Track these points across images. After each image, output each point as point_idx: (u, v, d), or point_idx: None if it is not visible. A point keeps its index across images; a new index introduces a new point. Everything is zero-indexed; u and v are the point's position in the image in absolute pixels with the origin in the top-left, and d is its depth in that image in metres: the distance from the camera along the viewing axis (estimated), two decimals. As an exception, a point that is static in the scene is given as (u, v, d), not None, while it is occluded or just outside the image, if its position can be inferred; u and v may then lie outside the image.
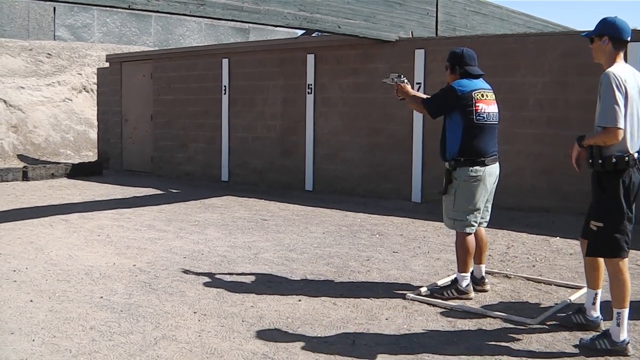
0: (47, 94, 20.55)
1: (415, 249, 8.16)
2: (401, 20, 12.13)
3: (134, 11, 26.02)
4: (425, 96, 6.62)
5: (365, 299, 6.20)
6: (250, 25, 30.16)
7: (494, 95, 6.37)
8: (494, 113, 6.29)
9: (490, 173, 6.22)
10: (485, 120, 6.17)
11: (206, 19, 28.66)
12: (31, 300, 6.25)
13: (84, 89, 21.56)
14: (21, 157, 17.80)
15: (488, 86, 6.39)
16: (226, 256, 7.91)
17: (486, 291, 6.47)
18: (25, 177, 14.39)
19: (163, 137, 15.75)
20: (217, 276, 7.06)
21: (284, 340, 5.13)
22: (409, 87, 6.58)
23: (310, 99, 12.95)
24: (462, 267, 6.27)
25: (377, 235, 9.08)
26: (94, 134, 19.65)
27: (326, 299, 6.21)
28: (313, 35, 15.21)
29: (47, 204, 11.58)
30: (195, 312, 5.83)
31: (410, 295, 6.27)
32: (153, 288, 6.62)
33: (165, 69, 15.78)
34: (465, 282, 6.27)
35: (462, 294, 6.24)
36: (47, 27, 24.67)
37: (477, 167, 6.12)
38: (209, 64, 14.84)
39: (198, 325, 5.50)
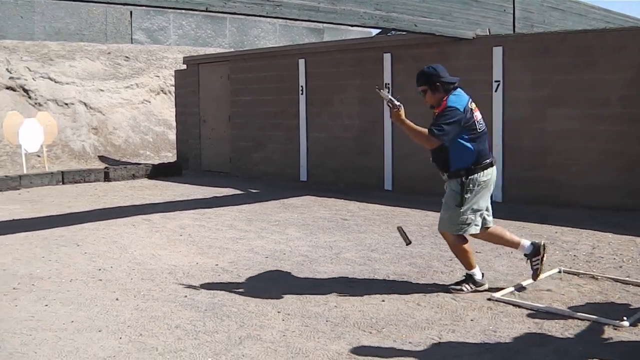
0: (126, 96, 20.87)
1: (497, 249, 8.04)
2: (477, 17, 11.99)
3: (210, 13, 26.27)
4: (420, 128, 6.31)
5: (450, 300, 6.14)
6: (325, 25, 30.20)
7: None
8: (482, 118, 6.41)
9: (494, 173, 6.39)
10: (483, 126, 6.34)
11: (281, 20, 28.78)
12: (117, 299, 6.35)
13: (162, 90, 21.84)
14: (102, 158, 18.12)
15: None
16: (308, 256, 7.92)
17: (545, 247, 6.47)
18: (106, 177, 14.65)
19: (241, 138, 15.86)
20: (300, 276, 7.06)
21: (369, 341, 5.11)
22: (403, 112, 6.41)
23: (387, 98, 12.87)
24: (468, 266, 6.45)
25: (459, 235, 8.97)
26: (172, 135, 19.88)
27: (410, 299, 6.17)
28: (389, 34, 15.14)
29: (129, 204, 11.77)
30: (279, 312, 5.84)
31: (495, 296, 6.18)
32: (236, 287, 6.65)
33: (242, 70, 15.89)
34: (478, 275, 6.44)
35: (478, 285, 6.42)
36: (125, 30, 25.02)
37: (488, 170, 6.27)
38: (286, 65, 14.89)
39: (282, 324, 5.51)
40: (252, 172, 15.53)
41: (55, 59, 20.73)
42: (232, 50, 25.03)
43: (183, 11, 25.94)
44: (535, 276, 6.46)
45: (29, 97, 19.21)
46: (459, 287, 6.45)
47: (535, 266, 6.41)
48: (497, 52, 11.55)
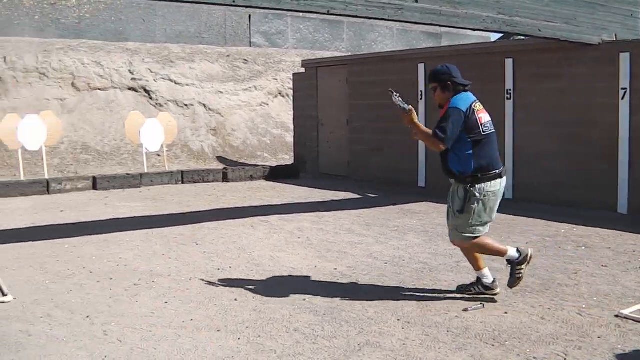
0: (245, 98, 21.11)
1: (625, 263, 7.71)
2: (603, 22, 11.55)
3: (329, 16, 26.33)
4: (428, 130, 6.34)
5: (575, 315, 5.88)
6: (443, 30, 29.94)
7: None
8: (490, 121, 6.28)
9: (503, 185, 6.23)
10: (491, 130, 6.21)
11: (398, 25, 28.65)
12: (235, 299, 6.36)
13: (280, 93, 22.01)
14: (220, 159, 18.36)
15: (475, 97, 6.33)
16: (427, 263, 7.76)
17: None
18: (225, 178, 14.83)
19: (358, 142, 15.77)
20: (419, 284, 6.92)
21: (492, 354, 4.94)
22: (415, 115, 6.33)
23: (509, 104, 12.58)
24: (477, 267, 6.44)
25: (583, 248, 8.63)
26: (289, 138, 20.00)
27: (533, 312, 5.95)
28: (511, 38, 14.82)
29: (247, 205, 11.85)
30: (398, 319, 5.72)
31: (624, 312, 5.90)
32: (355, 293, 6.56)
33: (361, 74, 15.82)
34: (489, 279, 6.40)
35: (488, 290, 6.39)
36: (243, 34, 25.32)
37: (496, 181, 6.13)
38: (404, 69, 14.73)
39: (402, 333, 5.40)
40: (370, 176, 15.39)
41: (176, 61, 21.14)
42: (350, 54, 25.04)
43: (301, 15, 26.08)
44: (513, 284, 6.37)
45: (150, 98, 19.65)
46: (468, 289, 6.49)
47: (518, 274, 6.32)
48: (624, 58, 11.12)
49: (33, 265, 7.67)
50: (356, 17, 9.08)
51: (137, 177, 14.15)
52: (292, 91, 21.61)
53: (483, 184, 6.07)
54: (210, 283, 6.96)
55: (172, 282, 6.97)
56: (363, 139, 15.66)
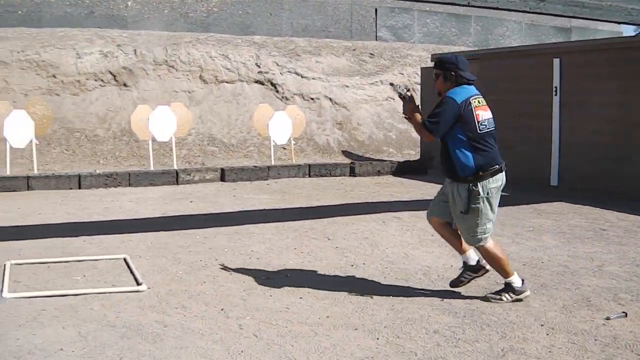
0: (370, 92, 20.95)
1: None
2: None
3: (456, 10, 25.97)
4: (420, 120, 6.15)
5: None
6: (572, 24, 29.10)
7: (485, 101, 6.14)
8: (491, 119, 6.10)
9: (504, 179, 6.12)
10: (488, 128, 6.02)
11: (527, 19, 28.01)
12: (372, 297, 6.19)
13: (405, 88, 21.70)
14: (345, 153, 18.26)
15: (479, 92, 6.15)
16: (568, 266, 7.40)
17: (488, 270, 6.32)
18: (352, 172, 14.70)
19: (490, 138, 15.32)
20: (561, 287, 6.60)
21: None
22: (415, 104, 6.26)
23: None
24: (505, 274, 6.15)
25: None
26: (415, 133, 19.65)
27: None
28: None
29: (377, 200, 11.67)
30: (542, 325, 5.46)
31: None
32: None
33: (492, 69, 15.38)
34: (517, 283, 6.13)
35: (518, 294, 6.12)
36: (369, 28, 25.19)
37: (498, 176, 6.00)
38: (537, 64, 14.24)
39: (547, 339, 5.13)
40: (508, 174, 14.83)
41: (302, 55, 21.17)
42: (476, 48, 24.57)
43: (427, 9, 25.82)
44: (455, 284, 6.35)
45: (277, 91, 19.72)
46: (498, 296, 6.15)
47: (463, 278, 6.30)
48: None
49: (166, 255, 7.70)
50: (496, 9, 8.82)
51: (265, 169, 14.16)
52: (419, 86, 21.38)
53: (485, 181, 5.93)
54: (344, 279, 6.82)
55: (306, 277, 6.87)
56: (497, 135, 15.18)
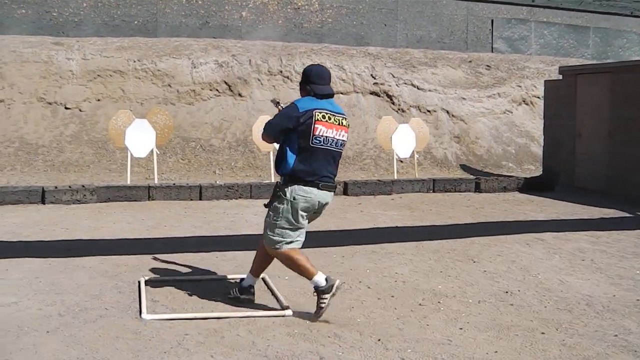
0: (488, 105, 20.28)
1: None
2: None
3: (575, 22, 25.12)
4: None
5: None
6: None
7: (343, 121, 6.02)
8: (336, 140, 5.95)
9: (322, 197, 5.92)
10: (323, 145, 5.86)
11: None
12: (543, 332, 5.62)
13: (524, 101, 20.97)
14: (464, 168, 17.63)
15: (338, 110, 6.06)
16: None
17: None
18: (477, 188, 14.07)
19: (621, 155, 14.46)
20: None
21: None
22: None
23: None
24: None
25: None
26: (535, 148, 18.99)
27: None
28: None
29: (511, 219, 10.99)
30: None
31: None
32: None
33: (626, 82, 14.56)
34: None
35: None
36: (485, 39, 24.53)
37: (312, 190, 5.84)
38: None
39: None
40: (633, 193, 14.01)
41: (417, 66, 20.66)
42: (594, 61, 23.66)
43: (545, 20, 25.07)
44: (317, 315, 5.88)
45: (392, 103, 19.25)
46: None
47: (321, 304, 5.84)
48: None
49: (306, 276, 7.28)
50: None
51: (389, 183, 13.62)
52: (537, 99, 20.65)
53: (296, 186, 5.83)
54: (502, 308, 6.27)
55: (460, 305, 6.34)
56: (626, 152, 14.36)
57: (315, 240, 8.97)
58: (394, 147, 15.17)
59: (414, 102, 19.38)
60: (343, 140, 6.03)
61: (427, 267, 7.70)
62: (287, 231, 5.94)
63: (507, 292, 6.77)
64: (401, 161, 16.52)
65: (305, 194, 5.84)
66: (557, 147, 16.34)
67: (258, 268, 6.34)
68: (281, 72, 18.87)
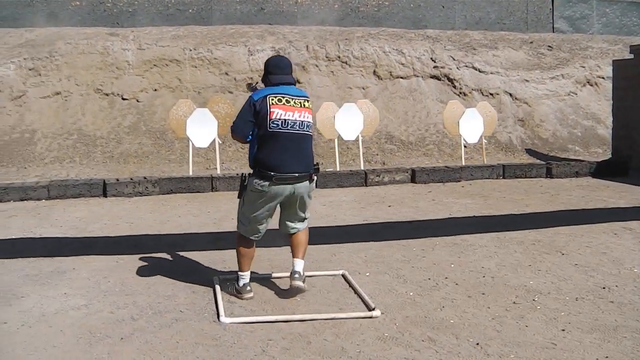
0: (551, 87, 19.67)
1: None
2: None
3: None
4: None
5: None
6: None
7: (305, 102, 5.95)
8: (296, 121, 5.85)
9: (279, 190, 5.84)
10: (281, 129, 5.77)
11: None
12: (653, 335, 5.20)
13: (588, 82, 20.30)
14: (529, 152, 17.07)
15: (299, 93, 5.98)
16: None
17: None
18: (549, 174, 13.55)
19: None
20: None
21: None
22: None
23: None
24: (239, 267, 6.16)
25: None
26: (601, 130, 18.36)
27: None
28: None
29: (592, 206, 10.45)
30: None
31: None
32: None
33: None
34: (243, 281, 6.14)
35: (237, 292, 6.14)
36: (546, 19, 23.86)
37: (266, 184, 5.79)
38: None
39: None
40: None
41: (478, 48, 20.13)
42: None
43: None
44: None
45: (454, 87, 18.76)
46: (230, 283, 6.28)
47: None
48: None
49: (387, 272, 6.90)
50: None
51: (457, 170, 13.15)
52: (601, 79, 19.99)
53: (253, 179, 5.84)
54: (602, 306, 5.84)
55: (557, 303, 5.91)
56: None
57: (390, 232, 8.65)
58: (461, 132, 14.70)
59: (475, 86, 18.86)
60: (308, 122, 5.95)
61: (514, 261, 7.26)
62: (252, 223, 6.02)
63: (604, 288, 6.32)
64: (465, 146, 16.04)
65: (260, 187, 5.82)
66: (626, 130, 15.70)
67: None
68: (339, 57, 18.51)
